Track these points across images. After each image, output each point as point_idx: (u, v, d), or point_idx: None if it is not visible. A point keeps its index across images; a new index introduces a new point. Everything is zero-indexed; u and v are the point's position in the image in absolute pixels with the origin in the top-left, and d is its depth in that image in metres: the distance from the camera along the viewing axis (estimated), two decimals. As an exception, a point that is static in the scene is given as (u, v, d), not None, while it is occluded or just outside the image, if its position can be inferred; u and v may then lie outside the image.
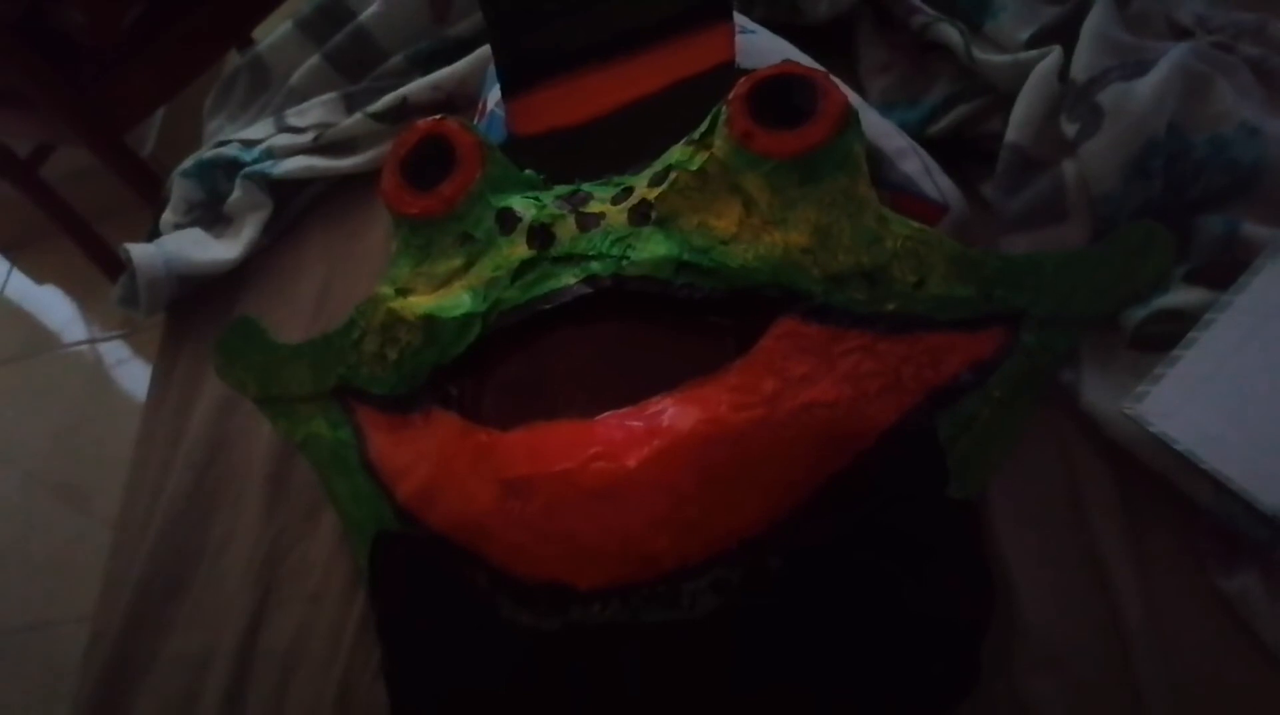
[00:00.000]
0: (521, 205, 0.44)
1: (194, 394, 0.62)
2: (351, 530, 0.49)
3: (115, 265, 1.55)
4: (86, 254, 1.52)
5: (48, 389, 1.71)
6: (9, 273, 1.89)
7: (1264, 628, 0.38)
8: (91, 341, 1.78)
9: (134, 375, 1.63)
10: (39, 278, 1.86)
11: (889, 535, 0.39)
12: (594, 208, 0.43)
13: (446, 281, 0.45)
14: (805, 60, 0.52)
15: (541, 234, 0.43)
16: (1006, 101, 0.51)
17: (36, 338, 1.81)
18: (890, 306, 0.41)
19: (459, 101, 0.64)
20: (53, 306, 1.84)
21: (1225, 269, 0.44)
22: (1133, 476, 0.43)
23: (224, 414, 0.59)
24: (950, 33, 0.53)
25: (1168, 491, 0.41)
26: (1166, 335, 0.43)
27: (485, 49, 0.63)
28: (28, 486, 1.56)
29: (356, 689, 0.47)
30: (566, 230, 0.42)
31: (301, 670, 0.48)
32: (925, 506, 0.40)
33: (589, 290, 0.41)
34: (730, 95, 0.42)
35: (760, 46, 0.52)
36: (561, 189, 0.45)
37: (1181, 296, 0.44)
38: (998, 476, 0.44)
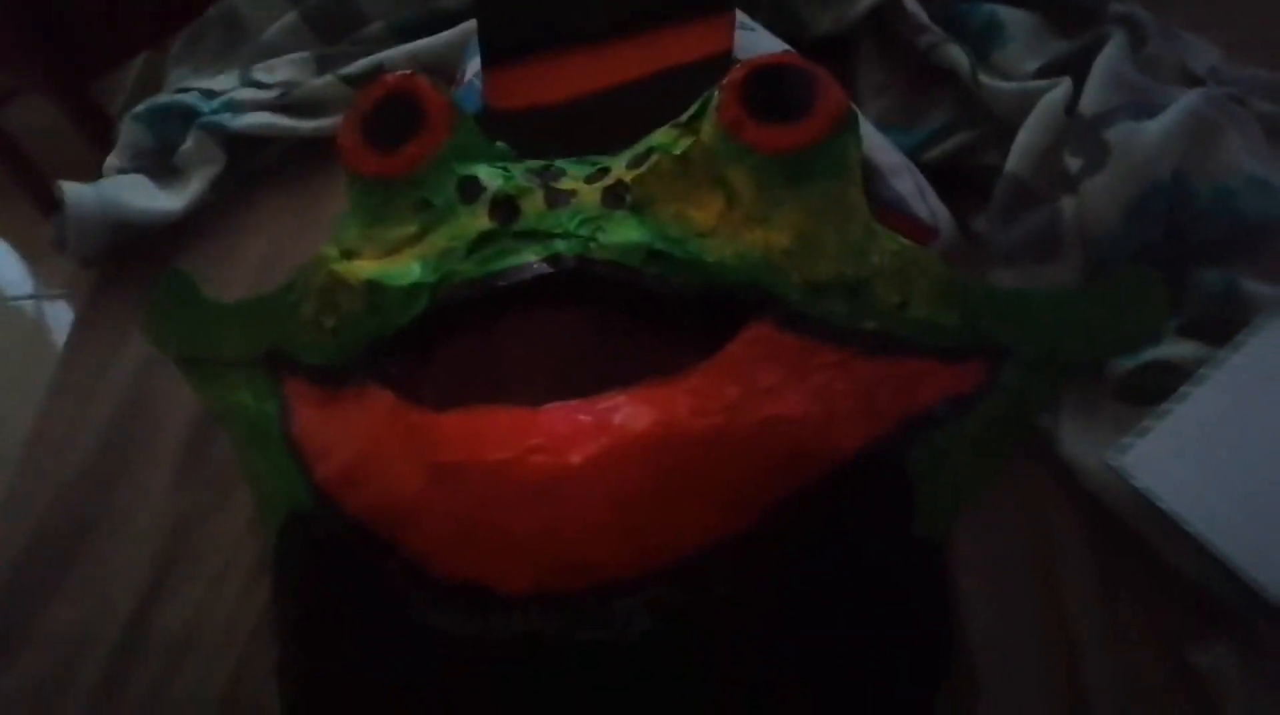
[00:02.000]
0: (487, 175, 0.41)
1: (116, 351, 0.57)
2: (265, 510, 0.45)
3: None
4: (40, 211, 1.46)
5: (-16, 347, 1.65)
6: (-45, 229, 1.82)
7: (1234, 708, 0.36)
8: (34, 297, 1.72)
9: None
10: (-10, 232, 1.80)
11: (846, 567, 0.36)
12: (566, 184, 0.40)
13: (397, 248, 0.41)
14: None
15: (505, 207, 0.39)
16: (1006, 134, 0.49)
17: (-24, 293, 1.74)
18: (870, 324, 0.39)
19: (438, 74, 0.61)
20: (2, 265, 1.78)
21: (1221, 325, 0.41)
22: (1108, 536, 0.40)
23: (145, 375, 0.55)
24: (958, 55, 0.51)
25: (1144, 554, 0.39)
26: (1155, 388, 0.41)
27: (469, 24, 0.60)
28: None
29: (247, 683, 0.42)
30: (533, 205, 0.39)
31: (191, 657, 0.44)
32: (888, 541, 0.37)
33: (550, 270, 0.38)
34: (724, 80, 0.39)
35: (759, 44, 0.50)
36: (533, 163, 0.42)
37: (1174, 349, 0.41)
38: (964, 525, 0.41)
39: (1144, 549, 0.39)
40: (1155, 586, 0.38)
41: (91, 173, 0.63)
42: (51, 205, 1.33)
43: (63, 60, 1.04)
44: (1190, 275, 0.43)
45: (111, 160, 0.63)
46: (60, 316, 1.68)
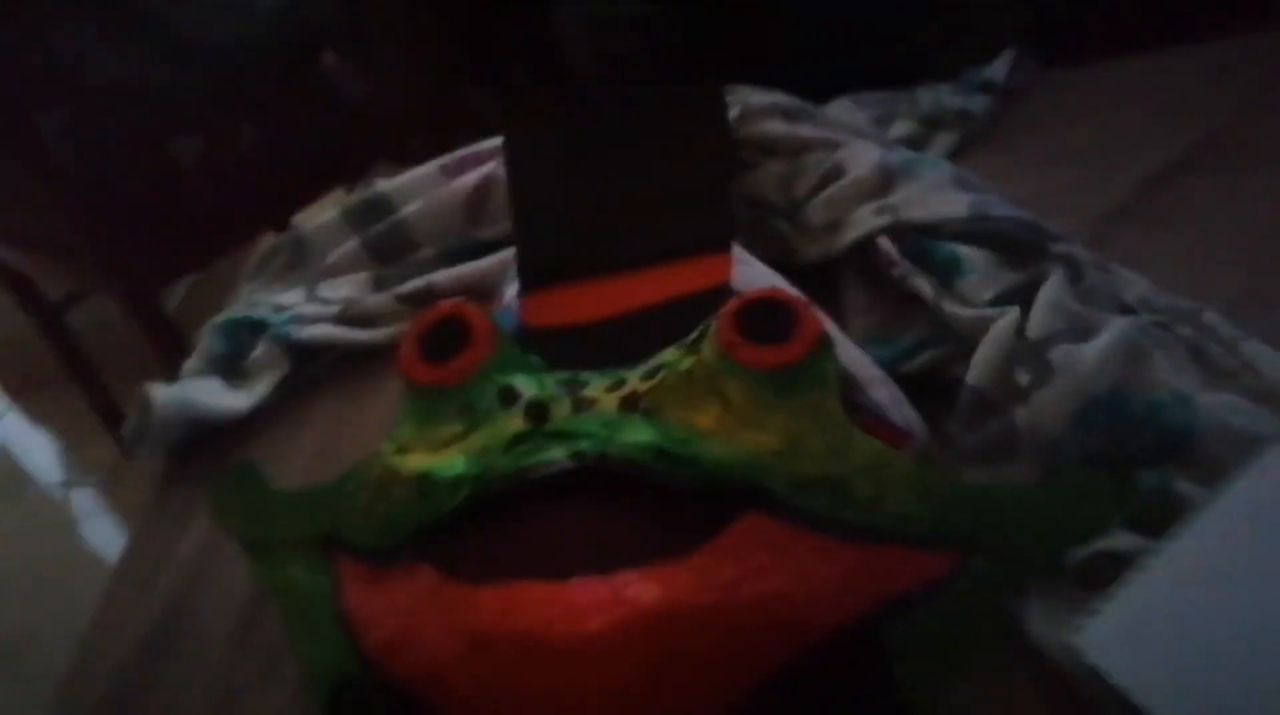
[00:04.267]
0: (523, 383, 0.49)
1: (179, 535, 0.63)
2: (313, 680, 0.50)
3: (114, 416, 1.58)
4: (89, 402, 1.56)
5: (11, 531, 1.69)
6: (4, 415, 1.91)
7: None
8: (66, 485, 1.77)
9: (100, 531, 1.62)
10: (35, 420, 1.88)
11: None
12: (589, 393, 0.47)
13: (445, 445, 0.48)
14: (793, 292, 0.58)
15: (538, 411, 0.47)
16: (971, 350, 0.56)
17: (12, 478, 1.80)
18: (850, 515, 0.45)
19: (479, 294, 0.70)
20: (38, 450, 1.85)
21: (1160, 520, 0.47)
22: (1070, 711, 0.44)
23: (206, 556, 0.61)
24: (924, 285, 0.60)
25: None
26: (1105, 574, 0.46)
27: (508, 252, 0.70)
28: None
29: None
30: (562, 410, 0.47)
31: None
32: (871, 706, 0.42)
33: (575, 465, 0.44)
34: (721, 310, 0.47)
35: (754, 276, 0.58)
36: (561, 375, 0.50)
37: (1119, 541, 0.47)
38: (939, 700, 0.45)
39: (1103, 722, 0.43)
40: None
41: (139, 369, 0.71)
42: (97, 395, 1.41)
43: (135, 271, 1.16)
44: (1131, 477, 0.49)
45: (190, 363, 0.72)
46: (88, 506, 1.73)
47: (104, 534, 1.62)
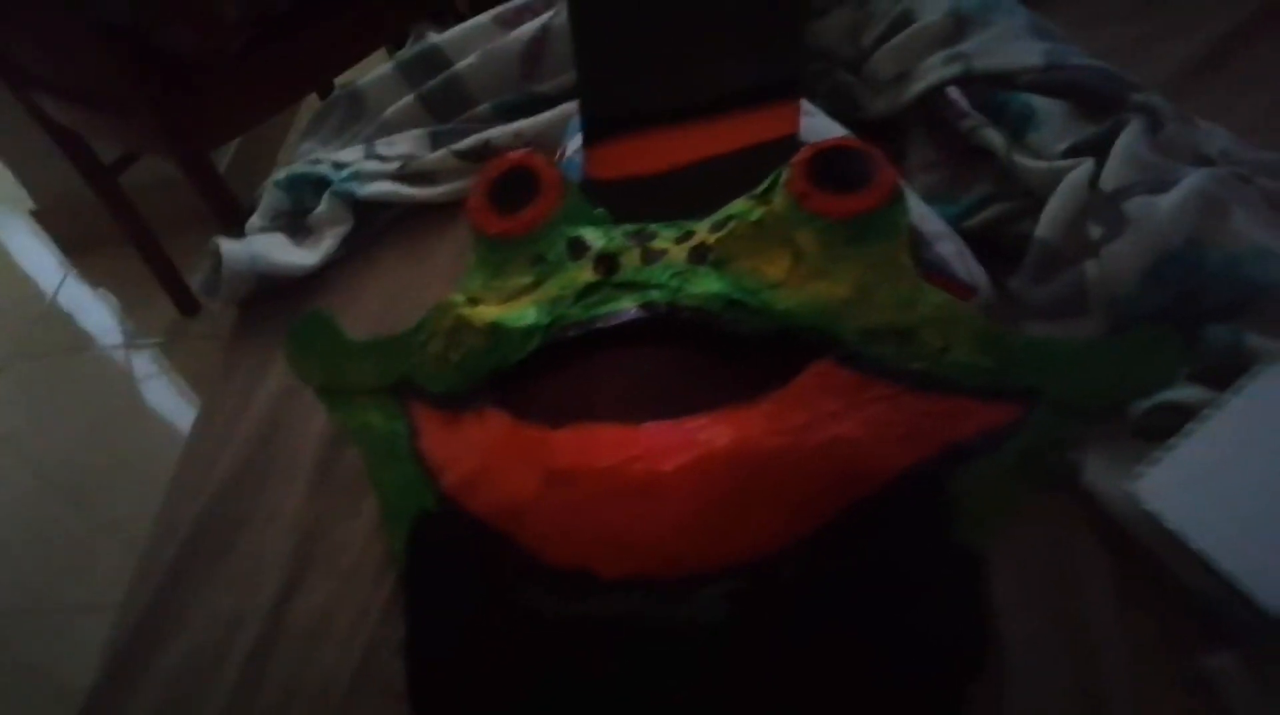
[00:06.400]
0: (592, 235, 0.49)
1: (257, 382, 0.66)
2: (391, 516, 0.52)
3: (170, 276, 1.61)
4: (146, 263, 1.59)
5: (76, 390, 1.74)
6: (64, 277, 1.95)
7: (1240, 709, 0.41)
8: (126, 347, 1.81)
9: (160, 390, 1.67)
10: (94, 282, 1.92)
11: (895, 565, 0.42)
12: (658, 244, 0.48)
13: (515, 296, 0.49)
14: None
15: (607, 262, 0.47)
16: (1038, 206, 0.55)
17: (75, 339, 1.85)
18: (917, 365, 0.45)
19: (538, 149, 0.69)
20: (99, 311, 1.89)
21: (1228, 374, 0.47)
22: (1126, 556, 0.46)
23: (283, 402, 0.64)
24: (994, 137, 0.58)
25: (1159, 571, 0.44)
26: (1168, 427, 0.47)
27: (566, 105, 0.69)
28: (39, 482, 1.58)
29: (376, 663, 0.49)
30: (631, 261, 0.47)
31: (326, 639, 0.51)
32: (931, 548, 0.43)
33: (645, 315, 0.45)
34: (793, 159, 0.47)
35: (819, 128, 0.57)
36: (629, 226, 0.50)
37: (1183, 392, 0.47)
38: (998, 545, 0.47)
39: (1158, 567, 0.45)
40: (1168, 600, 0.44)
41: (193, 229, 0.71)
42: (153, 257, 1.43)
43: (186, 129, 1.16)
44: (1201, 330, 0.49)
45: (254, 220, 0.73)
46: (148, 367, 1.78)
47: (164, 394, 1.67)
